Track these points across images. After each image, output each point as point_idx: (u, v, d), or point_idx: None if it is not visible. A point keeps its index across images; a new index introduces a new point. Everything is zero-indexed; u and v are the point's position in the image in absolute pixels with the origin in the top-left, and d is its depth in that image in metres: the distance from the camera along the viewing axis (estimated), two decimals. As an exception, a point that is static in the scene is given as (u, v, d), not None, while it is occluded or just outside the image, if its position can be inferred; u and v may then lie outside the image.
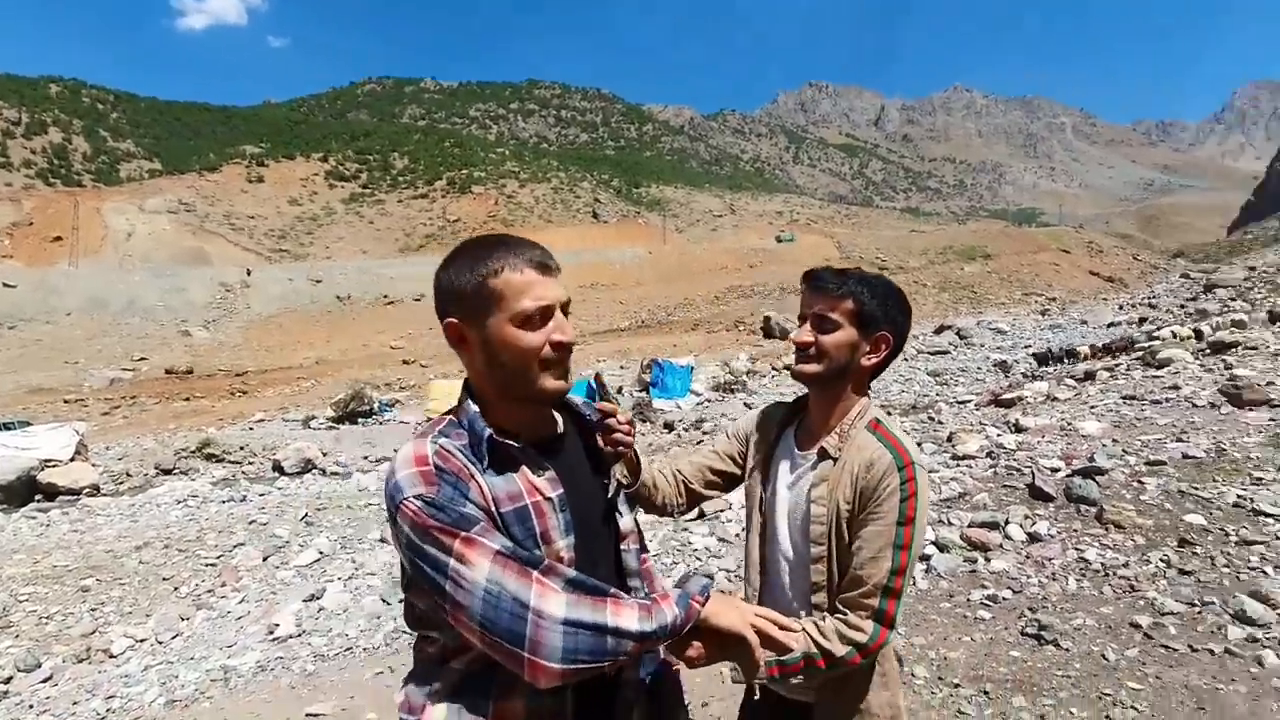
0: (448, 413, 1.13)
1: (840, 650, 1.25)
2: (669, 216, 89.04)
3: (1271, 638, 2.89)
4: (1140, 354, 9.84)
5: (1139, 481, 4.62)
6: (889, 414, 1.51)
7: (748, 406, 10.98)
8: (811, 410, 1.46)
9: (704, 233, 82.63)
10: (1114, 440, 5.74)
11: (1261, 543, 3.63)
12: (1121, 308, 31.33)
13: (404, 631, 3.90)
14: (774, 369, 14.38)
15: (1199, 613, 3.14)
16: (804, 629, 1.26)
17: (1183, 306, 24.48)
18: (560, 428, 1.21)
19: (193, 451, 11.80)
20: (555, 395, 1.11)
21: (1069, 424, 6.49)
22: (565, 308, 1.09)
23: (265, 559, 5.20)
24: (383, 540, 5.48)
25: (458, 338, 1.07)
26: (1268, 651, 2.79)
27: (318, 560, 5.13)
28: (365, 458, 11.01)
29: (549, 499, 1.09)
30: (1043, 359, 13.51)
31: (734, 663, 1.10)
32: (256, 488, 8.15)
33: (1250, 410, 6.11)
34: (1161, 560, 3.64)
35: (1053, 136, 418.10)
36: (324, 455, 11.04)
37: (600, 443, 1.25)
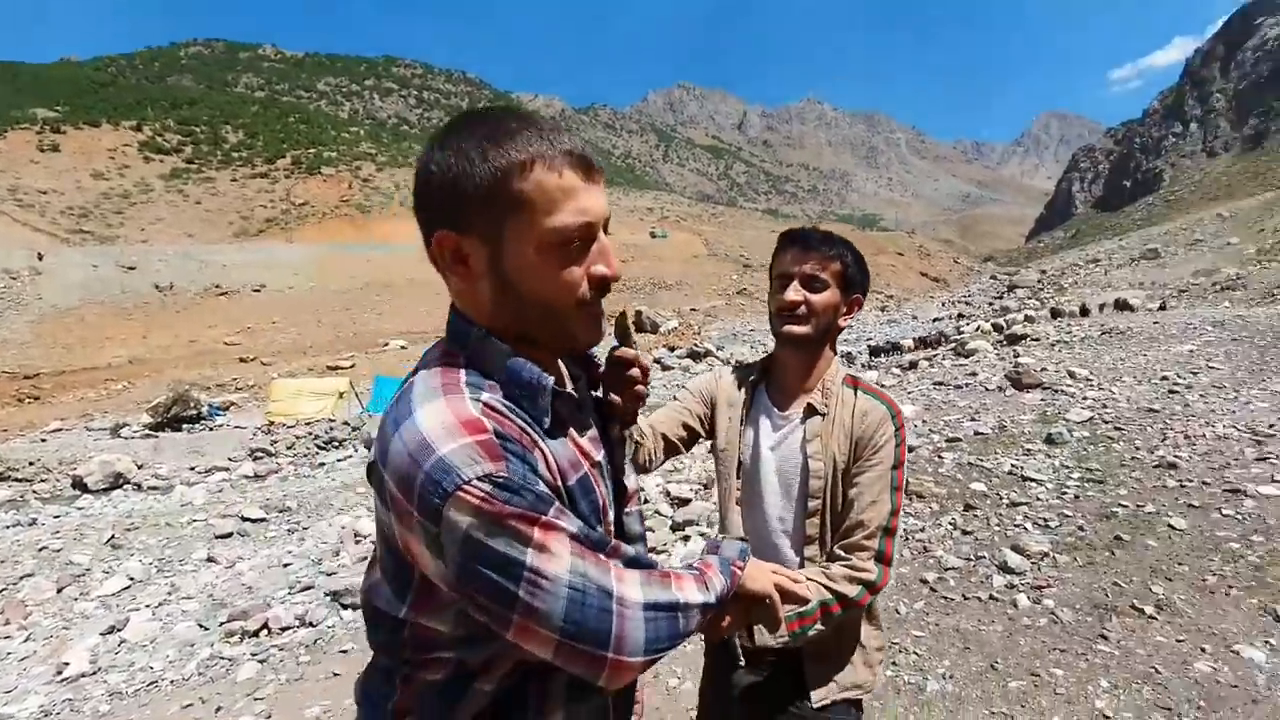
0: (447, 353, 0.83)
1: (853, 591, 1.28)
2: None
3: (1025, 583, 3.46)
4: (953, 345, 11.27)
5: (939, 456, 5.31)
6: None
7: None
8: (787, 370, 1.46)
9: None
10: (924, 420, 6.54)
11: (1025, 504, 4.32)
12: (944, 305, 35.50)
13: (222, 658, 3.56)
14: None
15: (973, 566, 3.68)
16: (812, 578, 1.27)
17: (991, 304, 28.21)
18: (571, 378, 0.98)
19: (-37, 469, 9.91)
20: (588, 348, 0.89)
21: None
22: (606, 225, 0.83)
23: (60, 590, 4.48)
24: (210, 559, 4.93)
25: (454, 256, 0.79)
26: (1021, 595, 3.34)
27: (126, 588, 4.51)
28: (192, 468, 9.85)
29: (597, 463, 0.91)
30: (875, 351, 15.05)
31: (758, 624, 1.02)
32: (50, 509, 7.01)
33: (1027, 392, 7.23)
34: (950, 523, 4.22)
35: (890, 150, 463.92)
36: (139, 468, 9.73)
37: (615, 396, 1.01)
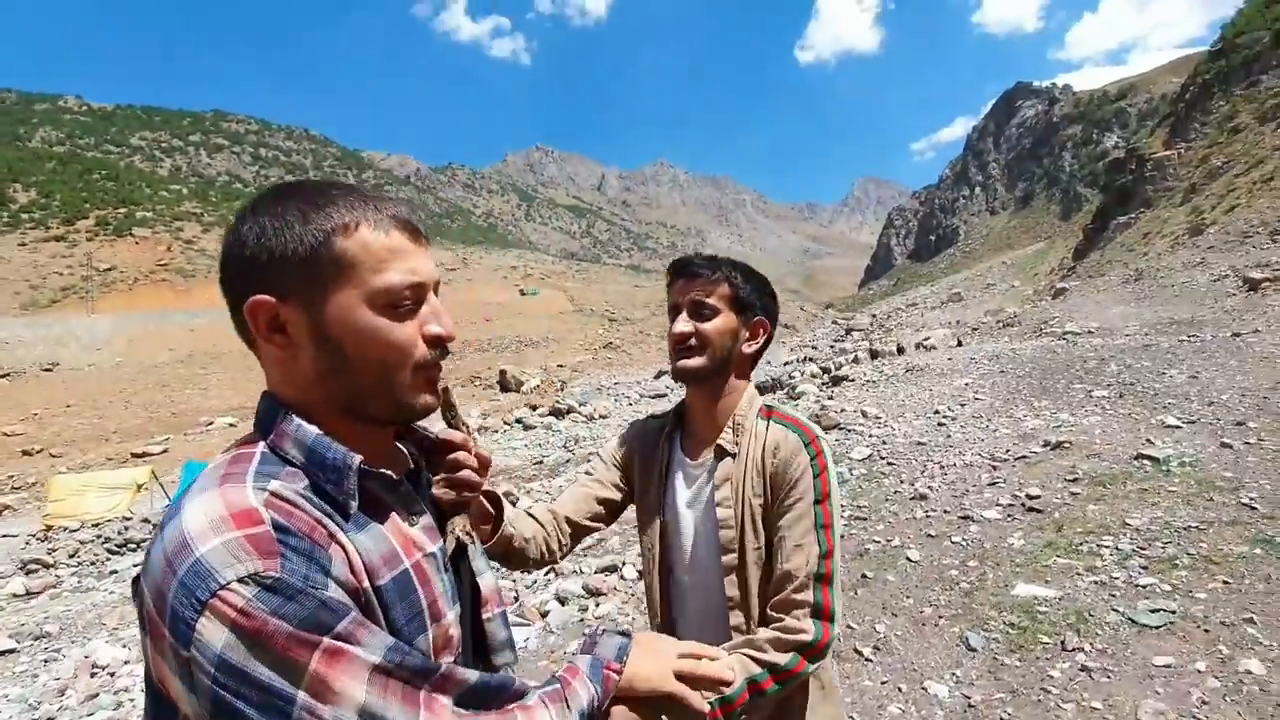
0: (245, 441, 0.72)
1: (784, 659, 1.06)
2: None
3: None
4: (786, 389, 11.93)
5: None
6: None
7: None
8: (695, 413, 1.32)
9: (436, 286, 79.87)
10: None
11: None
12: (793, 349, 38.27)
13: None
14: (506, 424, 14.16)
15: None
16: (738, 650, 1.07)
17: (832, 346, 30.74)
18: (410, 460, 0.86)
19: None
20: (424, 415, 0.79)
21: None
22: (437, 289, 0.78)
23: None
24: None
25: (269, 324, 0.70)
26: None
27: None
28: (-71, 596, 7.82)
29: (430, 554, 0.78)
30: None
31: None
32: None
33: (827, 433, 7.80)
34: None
35: (738, 209, 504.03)
36: None
37: (437, 488, 0.87)
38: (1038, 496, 4.52)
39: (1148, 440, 5.23)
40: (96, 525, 9.37)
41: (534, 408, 15.47)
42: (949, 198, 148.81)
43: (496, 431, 13.62)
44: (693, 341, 1.25)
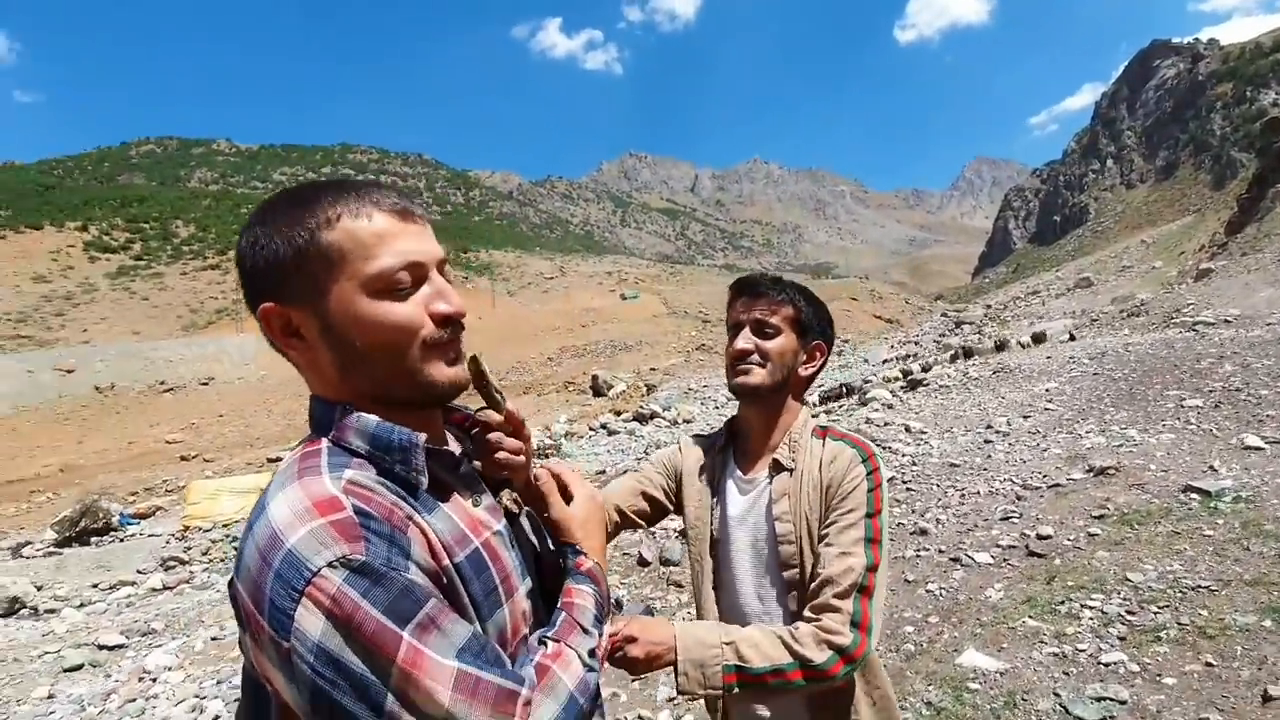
0: (308, 441, 0.75)
1: (819, 657, 1.07)
2: (500, 280, 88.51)
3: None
4: (857, 395, 11.19)
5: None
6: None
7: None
8: (751, 429, 1.35)
9: (535, 295, 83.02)
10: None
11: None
12: (894, 346, 36.29)
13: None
14: (591, 429, 14.42)
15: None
16: (779, 635, 1.10)
17: (936, 341, 28.83)
18: (460, 448, 0.87)
19: None
20: (452, 391, 0.78)
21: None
22: (443, 267, 0.79)
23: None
24: (51, 695, 4.34)
25: (284, 329, 0.73)
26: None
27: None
28: (95, 586, 9.04)
29: (497, 532, 0.80)
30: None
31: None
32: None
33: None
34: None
35: (836, 202, 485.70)
36: (38, 590, 8.90)
37: (480, 462, 0.88)
38: (1048, 537, 4.00)
39: (1211, 467, 4.51)
40: (226, 526, 10.50)
41: (618, 413, 15.63)
42: (1075, 173, 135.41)
43: (581, 437, 13.89)
44: (754, 358, 1.27)
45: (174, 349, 41.34)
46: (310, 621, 0.58)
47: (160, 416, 31.87)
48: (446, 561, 0.71)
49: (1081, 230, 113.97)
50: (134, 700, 4.14)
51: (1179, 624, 2.96)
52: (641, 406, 14.63)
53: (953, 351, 13.18)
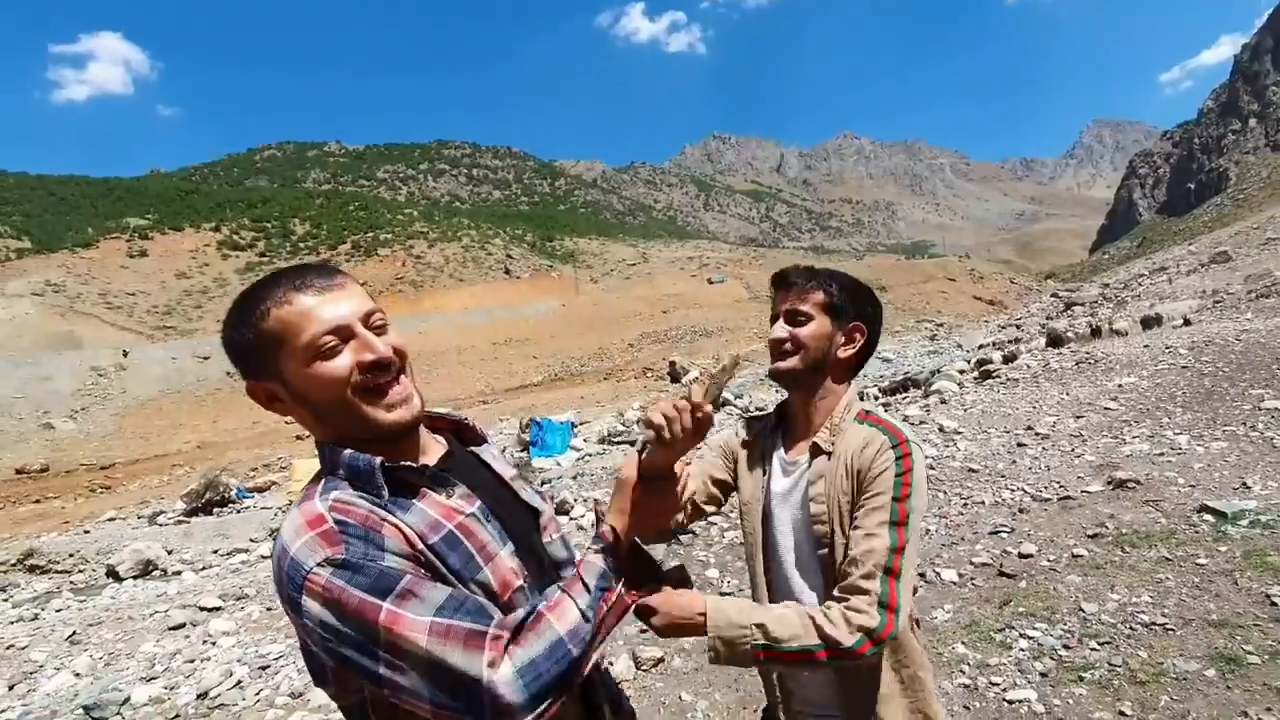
0: (316, 478, 0.95)
1: (848, 640, 1.11)
2: (583, 268, 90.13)
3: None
4: (923, 386, 10.50)
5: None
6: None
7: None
8: (795, 412, 1.42)
9: (618, 282, 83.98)
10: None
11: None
12: (992, 330, 33.93)
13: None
14: (662, 415, 14.54)
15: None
16: (810, 615, 1.15)
17: (1041, 325, 26.69)
18: (445, 448, 1.07)
19: (13, 564, 10.51)
20: (399, 428, 0.94)
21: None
22: (369, 320, 0.93)
23: (11, 688, 4.56)
24: (209, 641, 4.93)
25: (267, 398, 0.94)
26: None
27: (72, 685, 4.53)
28: (215, 551, 10.14)
29: (470, 514, 0.96)
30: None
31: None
32: (55, 603, 7.27)
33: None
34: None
35: (934, 176, 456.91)
36: (168, 554, 10.09)
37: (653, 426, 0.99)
38: (1029, 556, 3.73)
39: (1244, 484, 4.03)
40: (324, 501, 11.50)
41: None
42: (1213, 134, 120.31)
43: (654, 424, 13.97)
44: (788, 346, 1.34)
45: (290, 338, 45.23)
46: (312, 605, 0.80)
47: (279, 399, 35.04)
48: (421, 545, 0.88)
49: (1220, 198, 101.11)
50: (192, 661, 4.61)
51: (1110, 665, 2.72)
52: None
53: (1044, 338, 12.17)
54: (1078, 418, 6.55)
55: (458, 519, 0.94)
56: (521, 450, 12.88)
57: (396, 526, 0.87)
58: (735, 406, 13.74)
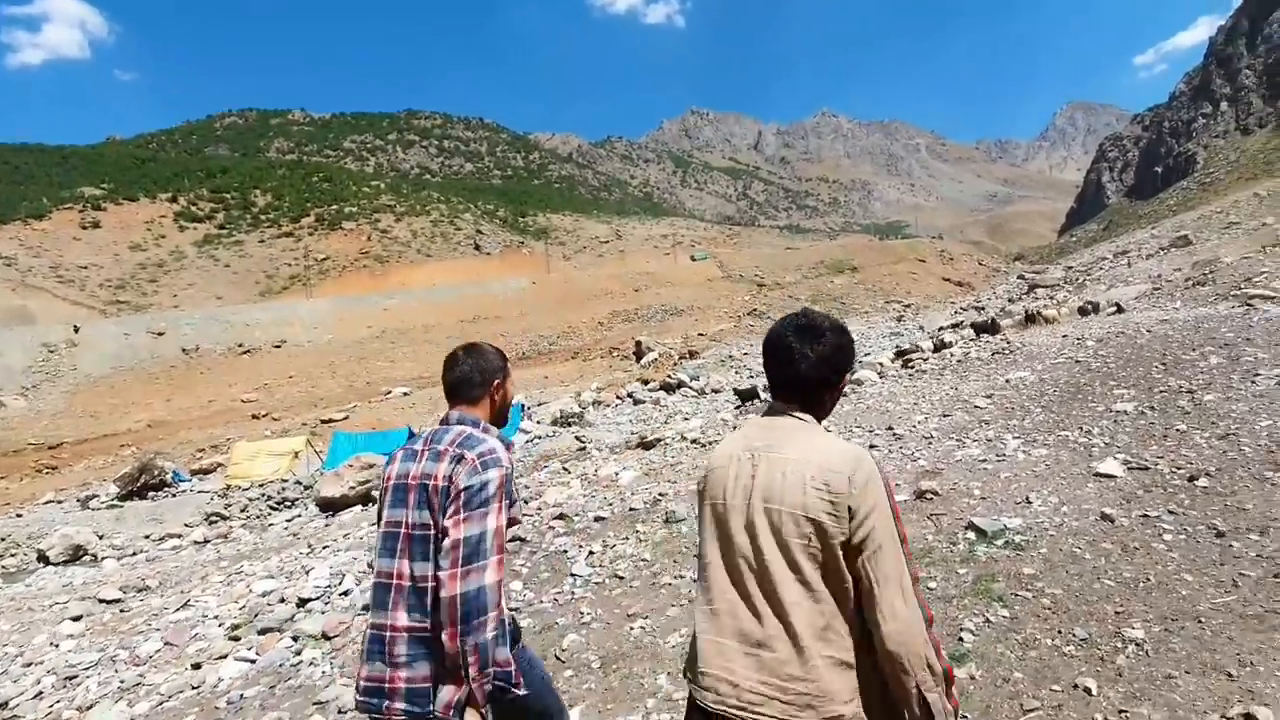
0: (473, 427, 1.79)
1: (936, 667, 1.35)
2: (555, 245, 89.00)
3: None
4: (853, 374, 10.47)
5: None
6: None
7: (579, 440, 10.77)
8: None
9: (590, 259, 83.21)
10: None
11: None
12: (955, 312, 34.32)
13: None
14: (618, 398, 14.34)
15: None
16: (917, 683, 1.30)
17: (1003, 309, 27.09)
18: None
19: (-65, 550, 10.06)
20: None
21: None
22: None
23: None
24: (54, 643, 4.70)
25: (495, 390, 1.89)
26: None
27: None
28: (146, 537, 9.81)
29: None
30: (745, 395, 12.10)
31: None
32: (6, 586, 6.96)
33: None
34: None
35: (910, 156, 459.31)
36: (99, 539, 9.74)
37: None
38: None
39: (1027, 499, 4.02)
40: (262, 485, 11.17)
41: (645, 382, 15.47)
42: (1183, 118, 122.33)
43: (609, 406, 13.89)
44: None
45: (251, 314, 43.86)
46: (495, 476, 1.61)
47: (237, 377, 34.08)
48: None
49: (1187, 182, 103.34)
50: (29, 665, 4.43)
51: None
52: (669, 376, 14.41)
53: (976, 324, 12.22)
54: (944, 416, 6.47)
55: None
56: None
57: (509, 462, 1.74)
58: (691, 389, 13.66)
